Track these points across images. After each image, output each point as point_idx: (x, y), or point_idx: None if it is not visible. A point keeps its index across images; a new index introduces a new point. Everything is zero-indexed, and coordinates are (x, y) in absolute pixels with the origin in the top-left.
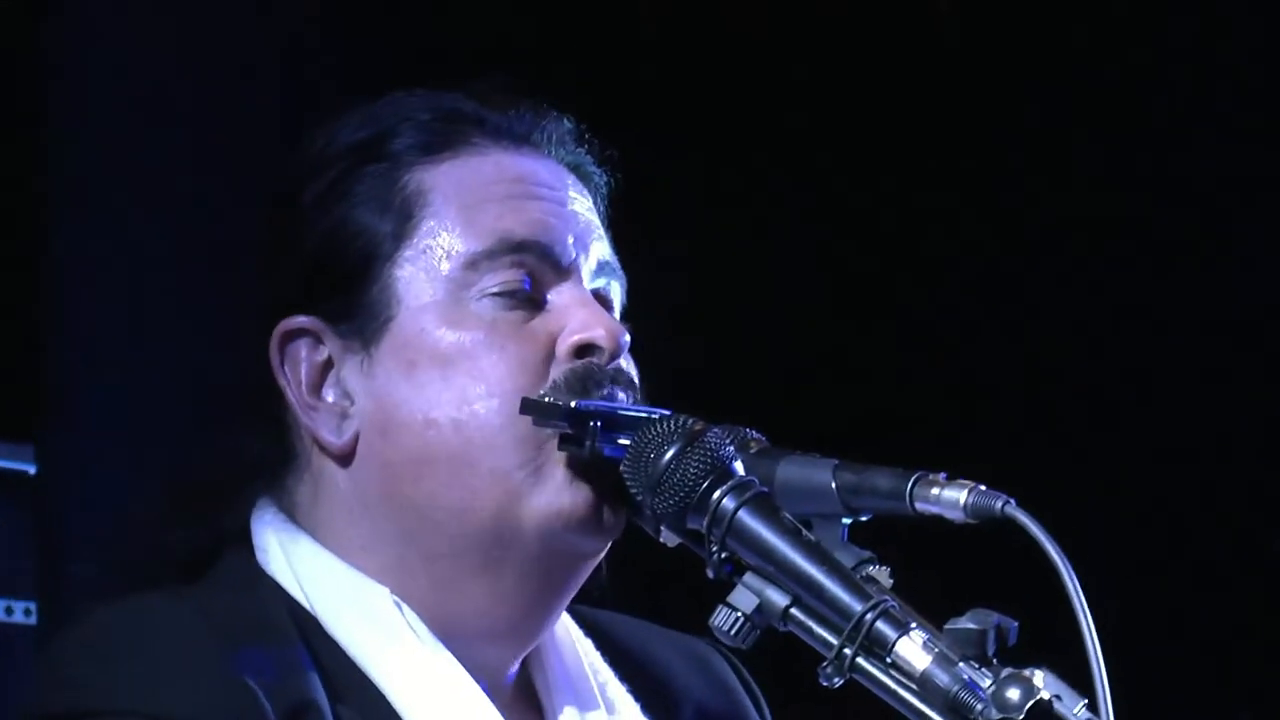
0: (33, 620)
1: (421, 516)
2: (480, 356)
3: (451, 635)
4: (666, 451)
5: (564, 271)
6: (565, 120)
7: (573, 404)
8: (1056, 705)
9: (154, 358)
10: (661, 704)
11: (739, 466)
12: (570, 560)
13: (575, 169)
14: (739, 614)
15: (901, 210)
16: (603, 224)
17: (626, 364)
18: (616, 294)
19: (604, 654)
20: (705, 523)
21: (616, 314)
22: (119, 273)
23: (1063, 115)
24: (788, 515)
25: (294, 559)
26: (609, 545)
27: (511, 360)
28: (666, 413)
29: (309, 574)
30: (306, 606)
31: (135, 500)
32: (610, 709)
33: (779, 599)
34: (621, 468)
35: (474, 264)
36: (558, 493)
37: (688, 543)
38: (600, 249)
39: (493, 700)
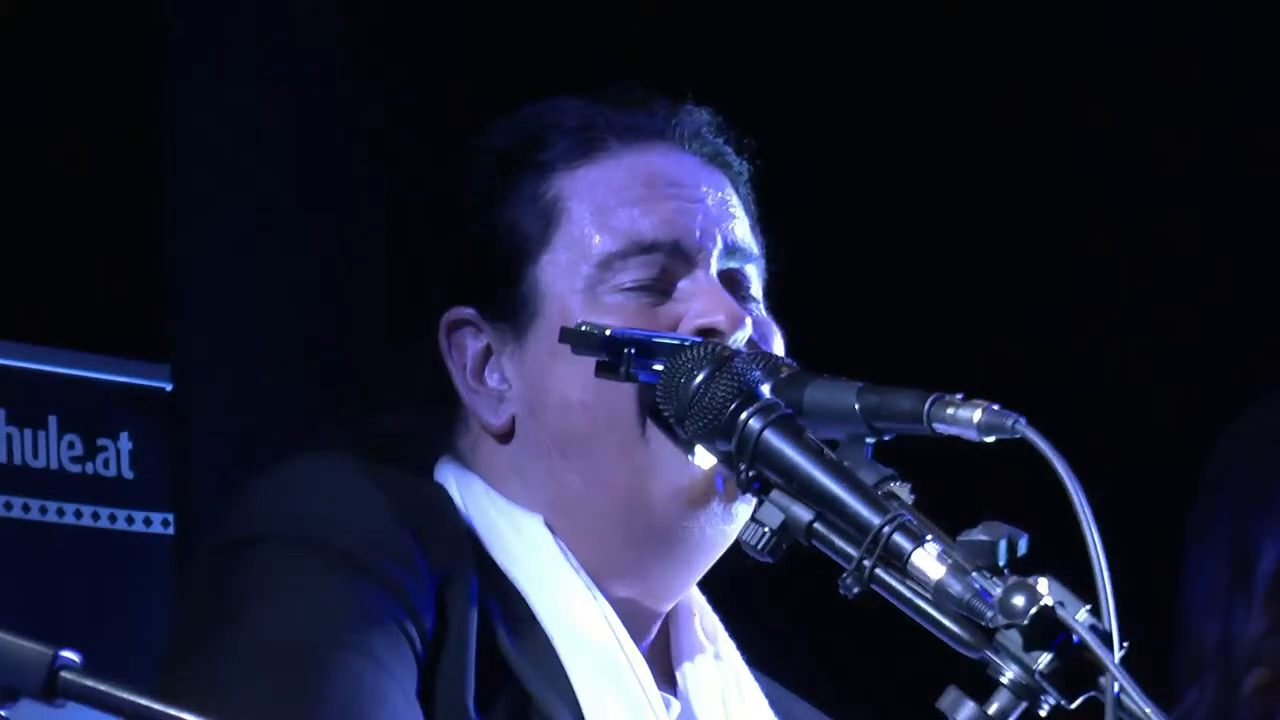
0: (170, 531)
1: (568, 487)
2: None
3: (598, 580)
4: (696, 376)
5: (692, 262)
6: (700, 112)
7: (607, 331)
8: (1060, 611)
9: (284, 285)
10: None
11: (765, 390)
12: (697, 534)
13: (711, 158)
14: (765, 529)
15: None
16: (742, 206)
17: (750, 342)
18: (752, 274)
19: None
20: (733, 443)
21: (752, 292)
22: (249, 204)
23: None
24: (812, 436)
25: (462, 489)
26: (731, 529)
27: None
28: (699, 339)
29: (475, 503)
30: (471, 524)
31: (264, 419)
32: (739, 688)
33: (803, 514)
34: (655, 393)
35: (608, 263)
36: (676, 472)
37: (719, 462)
38: (731, 234)
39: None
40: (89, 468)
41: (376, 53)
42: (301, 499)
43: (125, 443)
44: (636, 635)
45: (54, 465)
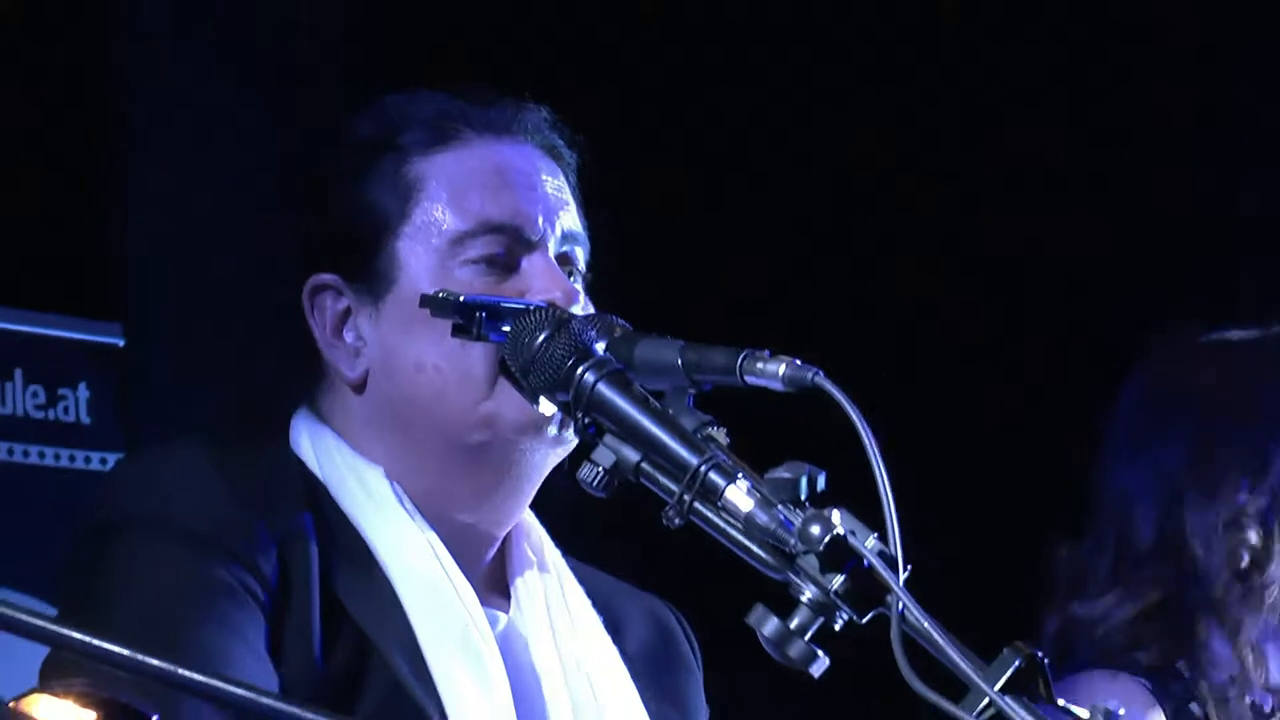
0: None
1: (413, 435)
2: None
3: (432, 513)
4: (539, 336)
5: (533, 245)
6: (540, 110)
7: (461, 298)
8: (851, 539)
9: (224, 252)
10: (612, 624)
11: (600, 348)
12: (533, 459)
13: (549, 150)
14: (600, 468)
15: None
16: (572, 194)
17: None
18: (580, 256)
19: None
20: (571, 394)
21: (580, 270)
22: (197, 176)
23: None
24: (639, 387)
25: (314, 443)
26: (560, 451)
27: None
28: (542, 304)
29: (323, 453)
30: (319, 477)
31: (204, 372)
32: (564, 597)
33: (632, 455)
34: (503, 351)
35: (459, 240)
36: (520, 408)
37: (559, 410)
38: (565, 221)
39: (464, 570)
40: (51, 414)
41: (333, 15)
42: (155, 487)
43: (83, 392)
44: (473, 560)
45: (20, 412)
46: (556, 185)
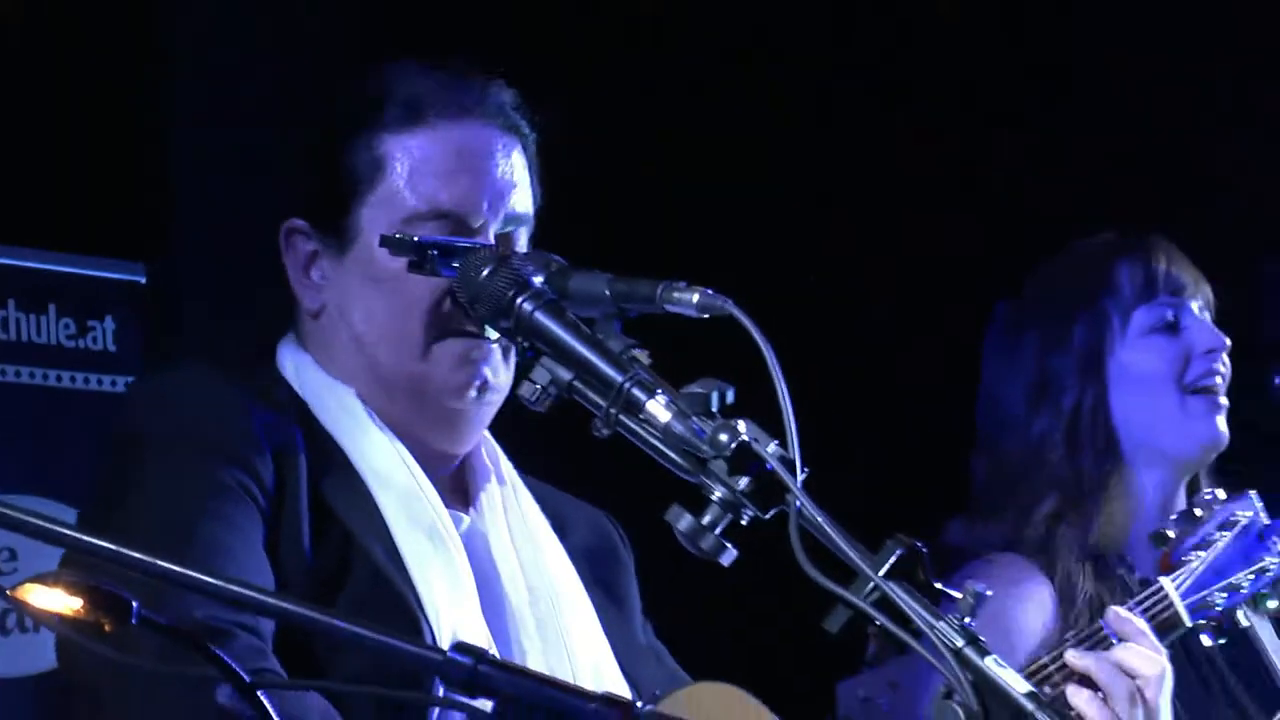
0: None
1: (369, 369)
2: (404, 280)
3: (402, 431)
4: (484, 270)
5: (474, 231)
6: (503, 89)
7: (416, 239)
8: (755, 445)
9: (236, 201)
10: (558, 526)
11: (538, 280)
12: (464, 411)
13: (510, 129)
14: (538, 386)
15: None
16: (529, 169)
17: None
18: (522, 237)
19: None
20: (512, 322)
21: (519, 249)
22: (214, 137)
23: None
24: (572, 315)
25: (297, 366)
26: (489, 409)
27: (425, 284)
28: (485, 243)
29: (304, 375)
30: (302, 396)
31: (216, 308)
32: (518, 501)
33: (565, 374)
34: (453, 284)
35: (410, 218)
36: (447, 374)
37: (502, 335)
38: (511, 203)
39: (431, 479)
40: (81, 344)
41: None
42: (167, 404)
43: (110, 324)
44: (438, 470)
45: (53, 342)
46: (509, 166)
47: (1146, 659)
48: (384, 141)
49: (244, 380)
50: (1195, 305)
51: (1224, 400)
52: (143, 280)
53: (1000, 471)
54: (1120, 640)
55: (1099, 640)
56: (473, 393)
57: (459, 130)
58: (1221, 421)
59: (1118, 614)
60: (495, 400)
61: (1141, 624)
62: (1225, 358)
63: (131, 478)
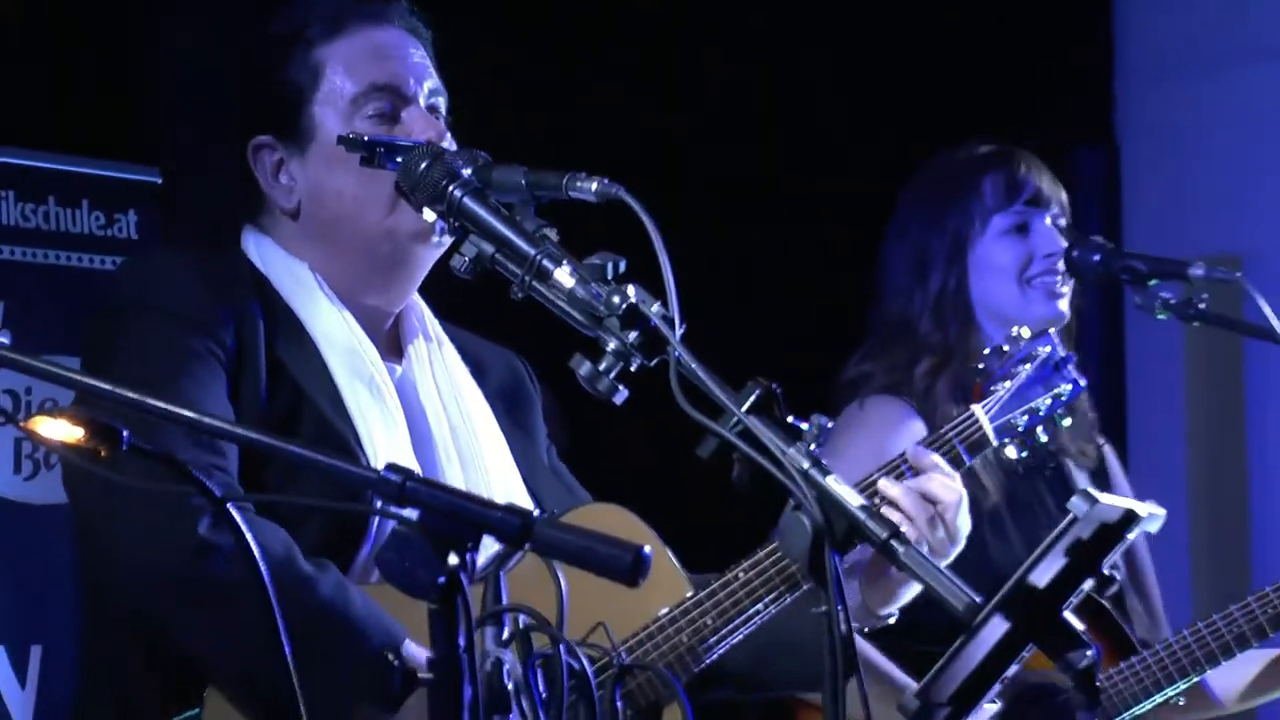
0: None
1: (334, 243)
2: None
3: (346, 298)
4: (421, 164)
5: (409, 99)
6: (404, 4)
7: (366, 138)
8: (642, 306)
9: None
10: (477, 371)
11: (466, 172)
12: (420, 256)
13: (412, 31)
14: (465, 258)
15: None
16: (432, 63)
17: (450, 145)
18: (442, 105)
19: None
20: (445, 206)
21: (443, 114)
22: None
23: None
24: (495, 200)
25: (259, 248)
26: (437, 251)
27: None
28: (422, 141)
29: (266, 255)
30: (263, 272)
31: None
32: (442, 354)
33: (488, 249)
34: (397, 176)
35: (355, 100)
36: (414, 222)
37: (437, 217)
38: (429, 82)
39: (371, 337)
40: (109, 232)
41: None
42: (147, 280)
43: (132, 216)
44: (376, 329)
45: (86, 231)
46: (421, 56)
47: (944, 487)
48: (317, 52)
49: (214, 260)
50: (1048, 215)
51: (1063, 289)
52: (159, 181)
53: (885, 326)
54: (918, 473)
55: (906, 469)
56: (434, 236)
57: (376, 32)
58: (1060, 304)
59: (914, 449)
60: (443, 246)
61: (937, 458)
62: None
63: (117, 343)
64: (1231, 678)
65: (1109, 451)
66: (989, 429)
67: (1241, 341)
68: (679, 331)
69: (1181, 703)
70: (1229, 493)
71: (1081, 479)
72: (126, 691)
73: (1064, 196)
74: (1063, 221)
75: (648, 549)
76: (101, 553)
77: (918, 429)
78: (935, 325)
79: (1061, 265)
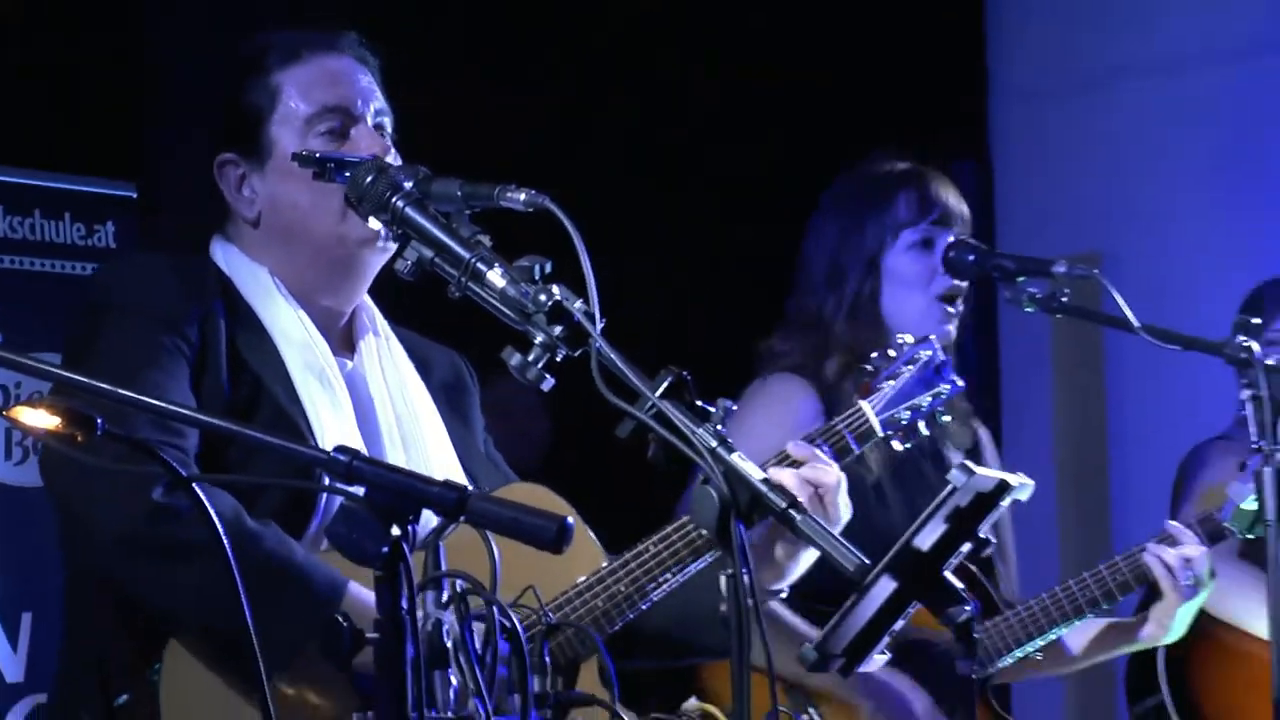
0: None
1: (292, 249)
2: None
3: (302, 299)
4: (368, 177)
5: (357, 119)
6: (353, 34)
7: (318, 154)
8: (565, 303)
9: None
10: (422, 367)
11: (408, 185)
12: (368, 260)
13: (360, 59)
14: (409, 262)
15: None
16: (379, 87)
17: (394, 160)
18: (388, 124)
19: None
20: (389, 216)
21: (389, 133)
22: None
23: None
24: (434, 209)
25: (224, 254)
26: (383, 256)
27: None
28: (369, 157)
29: (230, 260)
30: (228, 275)
31: (181, 218)
32: (390, 350)
33: (428, 253)
34: (346, 188)
35: (309, 120)
36: (361, 230)
37: (383, 224)
38: (376, 104)
39: (325, 336)
40: (89, 242)
41: None
42: (123, 282)
43: (110, 228)
44: (329, 327)
45: (69, 241)
46: (368, 81)
47: (823, 472)
48: (275, 77)
49: (184, 264)
50: (952, 233)
51: (956, 309)
52: (134, 195)
53: (801, 317)
54: (798, 464)
55: (795, 458)
56: (380, 243)
57: (328, 60)
58: (950, 326)
59: (795, 444)
60: (389, 252)
61: (816, 450)
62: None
63: (97, 338)
64: (1081, 636)
65: (983, 433)
66: (875, 422)
67: (1101, 331)
68: (599, 325)
69: (1040, 657)
70: (1091, 465)
71: (956, 456)
72: (104, 650)
73: (967, 214)
74: (964, 238)
75: (570, 520)
76: (73, 525)
77: (813, 407)
78: (848, 327)
79: (958, 292)
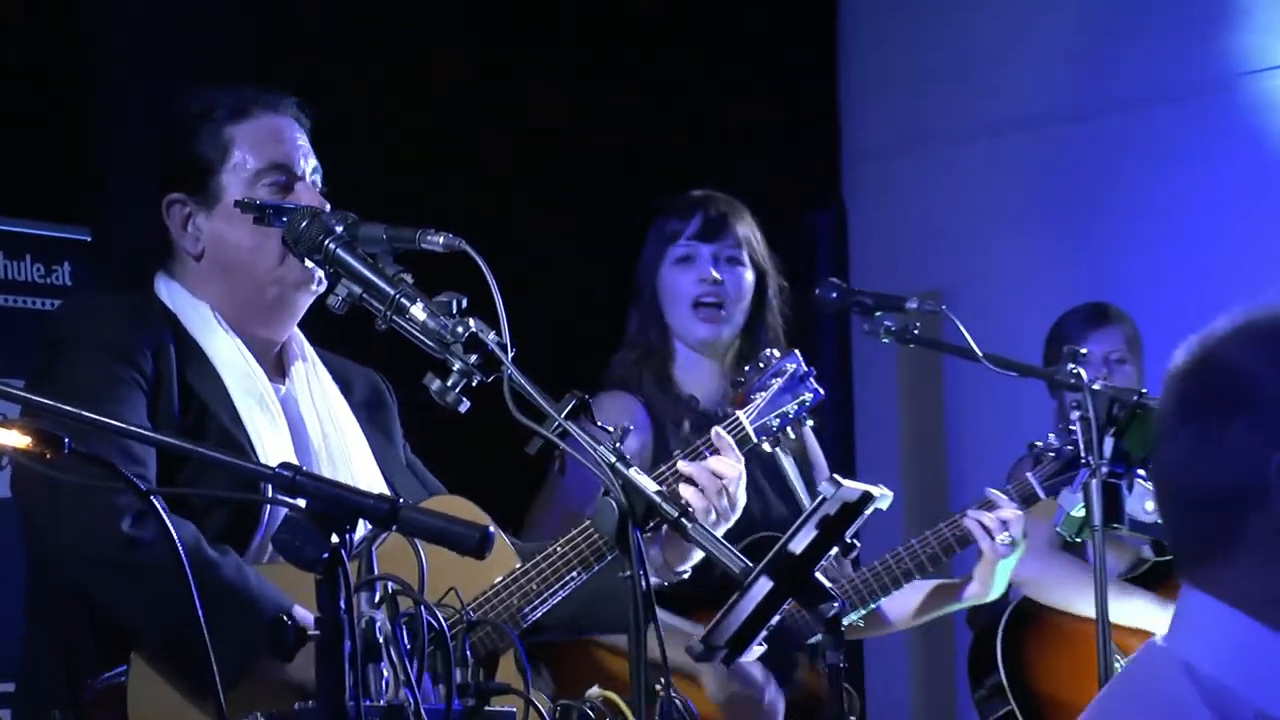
0: None
1: (231, 286)
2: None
3: (239, 329)
4: (303, 223)
5: (298, 176)
6: (291, 98)
7: (259, 201)
8: (480, 334)
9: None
10: (345, 387)
11: (339, 229)
12: (301, 299)
13: (298, 120)
14: (339, 297)
15: None
16: (311, 146)
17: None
18: (319, 181)
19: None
20: (322, 257)
21: (320, 188)
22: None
23: None
24: (361, 250)
25: (169, 290)
26: (312, 296)
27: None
28: (306, 205)
29: (175, 296)
30: (172, 310)
31: (133, 261)
32: (317, 374)
33: (356, 289)
34: (283, 233)
35: (255, 175)
36: (298, 272)
37: (315, 265)
38: (312, 161)
39: (260, 363)
40: (49, 280)
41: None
42: (80, 316)
43: (67, 268)
44: (264, 356)
45: (29, 279)
46: (304, 140)
47: (729, 465)
48: (226, 131)
49: (134, 300)
50: (714, 248)
51: (723, 314)
52: (89, 239)
53: (626, 335)
54: (715, 452)
55: (698, 453)
56: (313, 285)
57: (274, 119)
58: (716, 329)
59: (718, 432)
60: (317, 292)
61: (730, 440)
62: (721, 290)
63: (55, 368)
64: (913, 596)
65: (808, 434)
66: (750, 429)
67: (941, 358)
68: (510, 354)
69: (862, 625)
70: (932, 475)
71: (788, 462)
72: (67, 650)
73: (745, 233)
74: (732, 253)
75: (492, 528)
76: (42, 539)
77: (642, 418)
78: (640, 329)
79: (719, 295)
